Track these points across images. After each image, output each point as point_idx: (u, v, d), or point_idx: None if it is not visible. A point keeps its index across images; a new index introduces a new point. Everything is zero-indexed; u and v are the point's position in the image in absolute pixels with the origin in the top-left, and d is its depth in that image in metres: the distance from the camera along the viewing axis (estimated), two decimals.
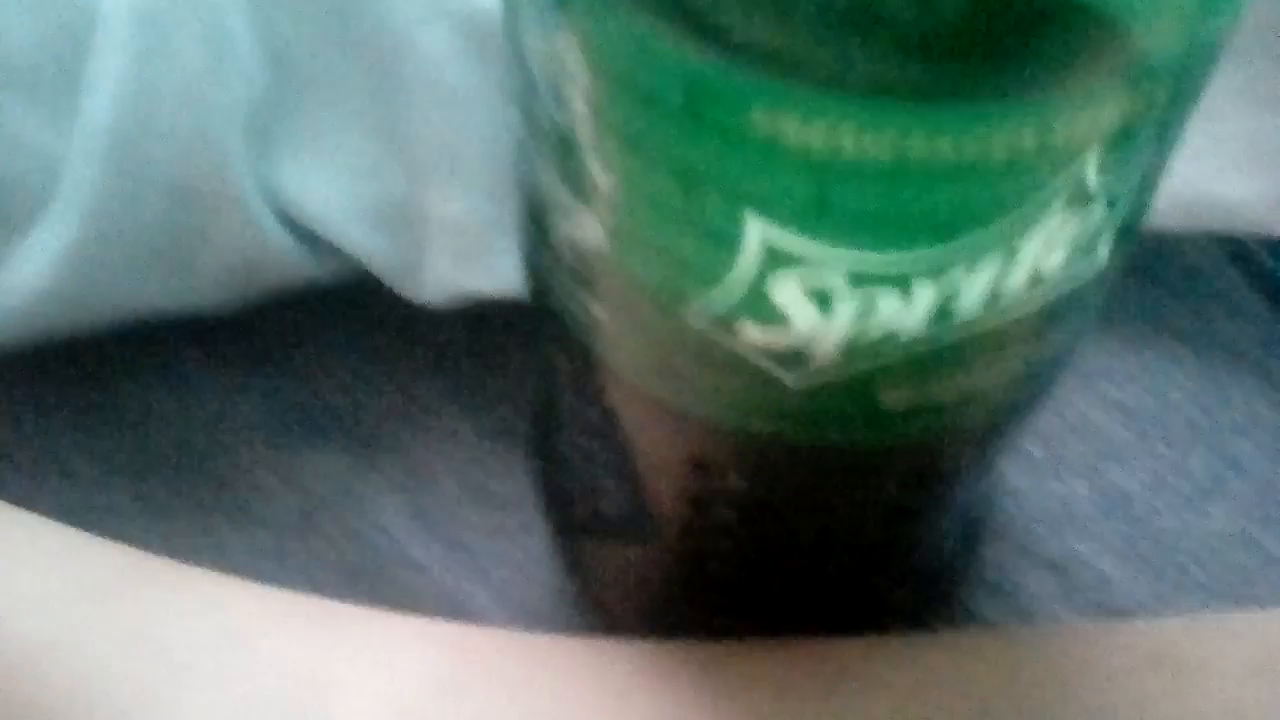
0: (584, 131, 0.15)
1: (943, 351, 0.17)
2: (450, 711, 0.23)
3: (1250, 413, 0.31)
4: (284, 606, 0.25)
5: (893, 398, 0.18)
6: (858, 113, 0.13)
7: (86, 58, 0.26)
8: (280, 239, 0.28)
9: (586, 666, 0.24)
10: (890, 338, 0.16)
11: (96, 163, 0.26)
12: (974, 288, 0.16)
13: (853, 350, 0.17)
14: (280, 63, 0.27)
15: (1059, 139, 0.14)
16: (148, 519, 0.30)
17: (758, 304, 0.16)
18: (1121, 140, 0.15)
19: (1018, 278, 0.16)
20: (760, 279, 0.16)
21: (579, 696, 0.24)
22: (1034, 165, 0.14)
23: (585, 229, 0.17)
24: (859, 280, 0.15)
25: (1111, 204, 0.16)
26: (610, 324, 0.18)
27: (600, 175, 0.16)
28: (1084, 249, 0.16)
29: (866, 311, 0.16)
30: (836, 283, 0.15)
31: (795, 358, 0.17)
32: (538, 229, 0.19)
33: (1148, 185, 0.17)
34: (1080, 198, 0.15)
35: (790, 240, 0.15)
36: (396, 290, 0.29)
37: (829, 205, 0.14)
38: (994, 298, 0.16)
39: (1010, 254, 0.15)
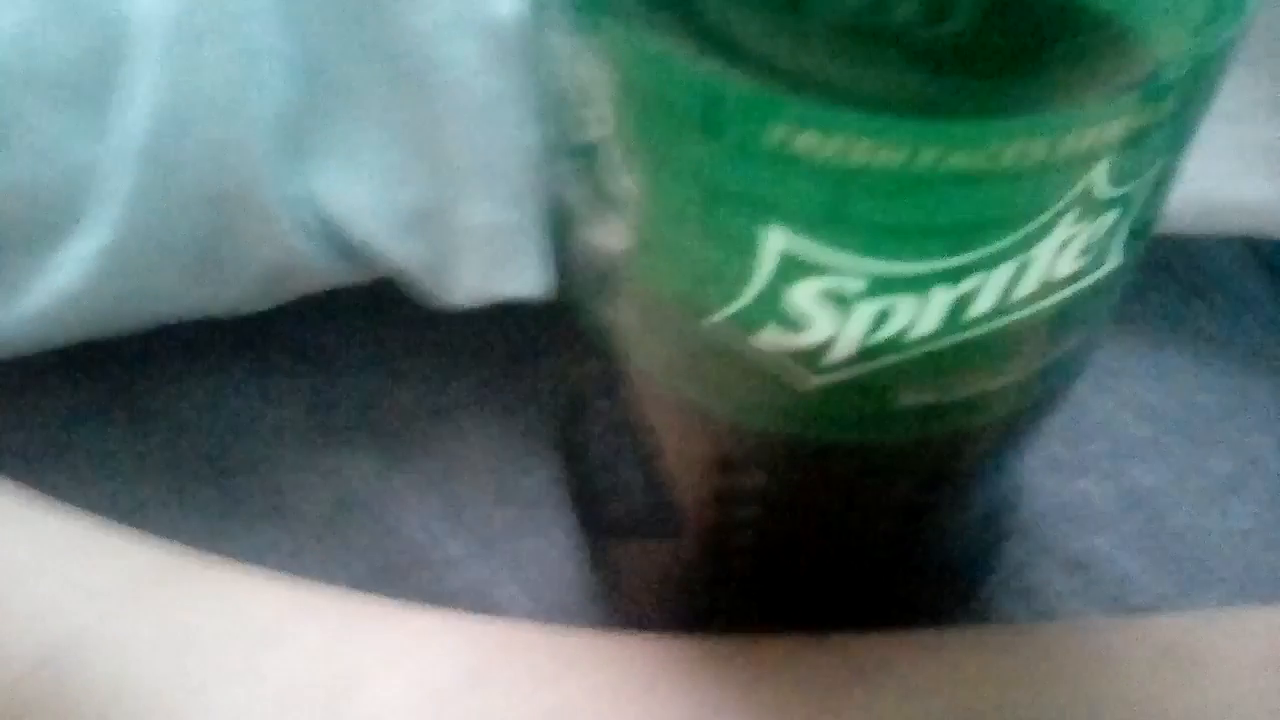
0: (608, 144, 0.15)
1: (959, 352, 0.17)
2: (478, 705, 0.23)
3: (1270, 411, 0.31)
4: (316, 601, 0.25)
5: (910, 397, 0.18)
6: (873, 127, 0.13)
7: (120, 68, 0.26)
8: (311, 246, 0.28)
9: (612, 661, 0.24)
10: (907, 340, 0.17)
11: (130, 170, 0.26)
12: (989, 291, 0.16)
13: (870, 352, 0.17)
14: (311, 72, 0.27)
15: (1071, 150, 0.14)
16: (184, 515, 0.30)
17: (777, 309, 0.16)
18: (1133, 149, 0.15)
19: (1032, 281, 0.16)
20: (779, 286, 0.16)
21: (604, 690, 0.24)
22: (1047, 175, 0.14)
23: (609, 237, 0.17)
24: (876, 286, 0.16)
25: (1124, 210, 0.16)
26: (634, 327, 0.19)
27: (624, 186, 0.16)
28: (1097, 252, 0.16)
29: (883, 315, 0.16)
30: (854, 289, 0.16)
31: (814, 359, 0.17)
32: (563, 236, 0.19)
33: (1160, 190, 0.17)
34: (1092, 205, 0.15)
35: (808, 249, 0.15)
36: (427, 294, 0.30)
37: (846, 215, 0.14)
38: (1008, 300, 0.16)
39: (1025, 259, 0.16)
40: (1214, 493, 0.30)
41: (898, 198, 0.14)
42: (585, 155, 0.16)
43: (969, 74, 0.13)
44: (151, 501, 0.30)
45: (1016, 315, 0.17)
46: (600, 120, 0.15)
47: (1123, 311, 0.19)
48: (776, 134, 0.14)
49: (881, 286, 0.16)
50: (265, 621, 0.25)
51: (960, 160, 0.13)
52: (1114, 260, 0.17)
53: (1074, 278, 0.17)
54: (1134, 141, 0.15)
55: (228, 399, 0.31)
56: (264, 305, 0.30)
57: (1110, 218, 0.16)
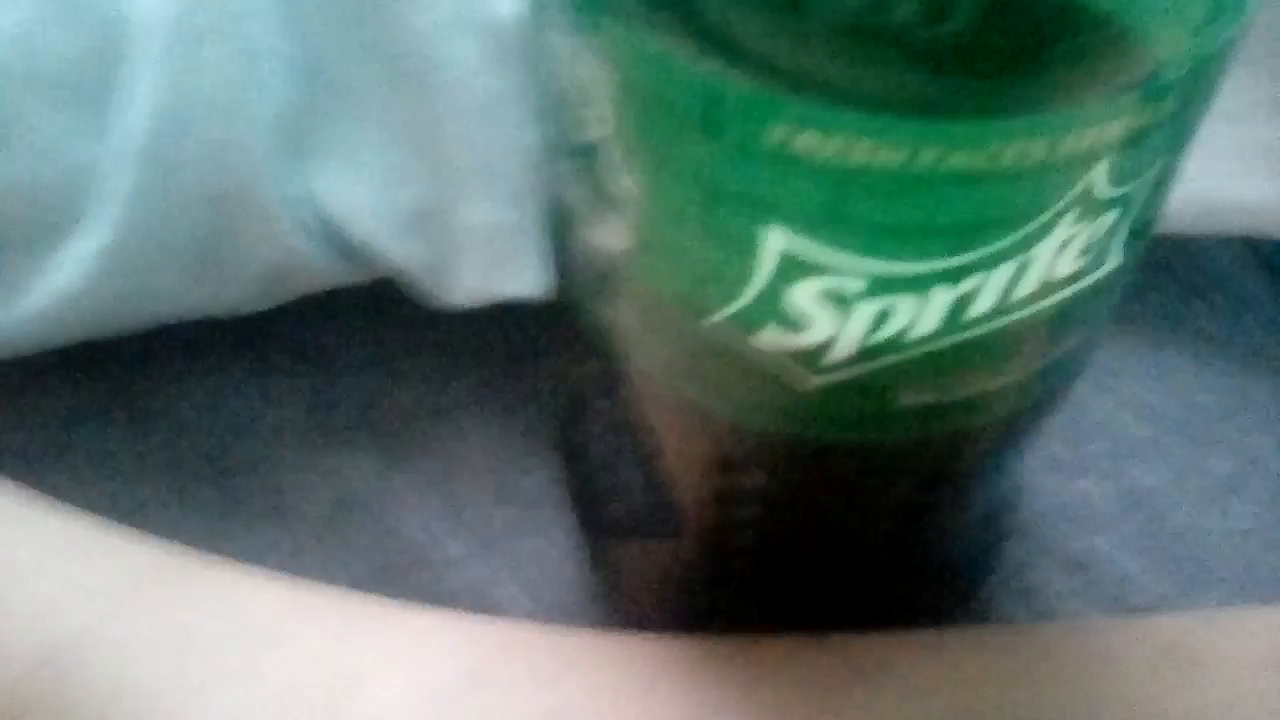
0: (608, 144, 0.16)
1: (959, 352, 0.17)
2: (478, 705, 0.24)
3: (1270, 411, 0.31)
4: (316, 601, 0.25)
5: (910, 397, 0.18)
6: (873, 127, 0.13)
7: (120, 68, 0.26)
8: (311, 246, 0.28)
9: (612, 661, 0.24)
10: (907, 340, 0.17)
11: (130, 170, 0.27)
12: (989, 292, 0.16)
13: (870, 352, 0.17)
14: (311, 72, 0.27)
15: (1071, 150, 0.14)
16: (184, 515, 0.30)
17: (777, 310, 0.16)
18: (1133, 149, 0.15)
19: (1032, 282, 0.16)
20: (779, 286, 0.16)
21: (604, 690, 0.24)
22: (1047, 175, 0.14)
23: (609, 237, 0.17)
24: (876, 286, 0.16)
25: (1124, 210, 0.16)
26: (634, 327, 0.19)
27: (623, 186, 0.16)
28: (1097, 253, 0.16)
29: (883, 315, 0.16)
30: (854, 289, 0.16)
31: (814, 359, 0.17)
32: (563, 236, 0.19)
33: (1160, 190, 0.17)
34: (1093, 205, 0.15)
35: (808, 249, 0.15)
36: (427, 294, 0.30)
37: (846, 215, 0.14)
38: (1009, 301, 0.16)
39: (1025, 259, 0.16)
40: (1214, 493, 0.30)
41: (898, 198, 0.14)
42: (585, 155, 0.16)
43: (969, 74, 0.13)
44: (151, 501, 0.30)
45: (1016, 315, 0.17)
46: (600, 120, 0.15)
47: (1123, 311, 0.19)
48: (776, 134, 0.14)
49: (881, 286, 0.16)
50: (265, 621, 0.25)
51: (960, 160, 0.14)
52: (1114, 260, 0.17)
53: (1074, 278, 0.17)
54: (1134, 141, 0.15)
55: (227, 399, 0.31)
56: (264, 305, 0.30)
57: (1110, 218, 0.16)
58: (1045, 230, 0.15)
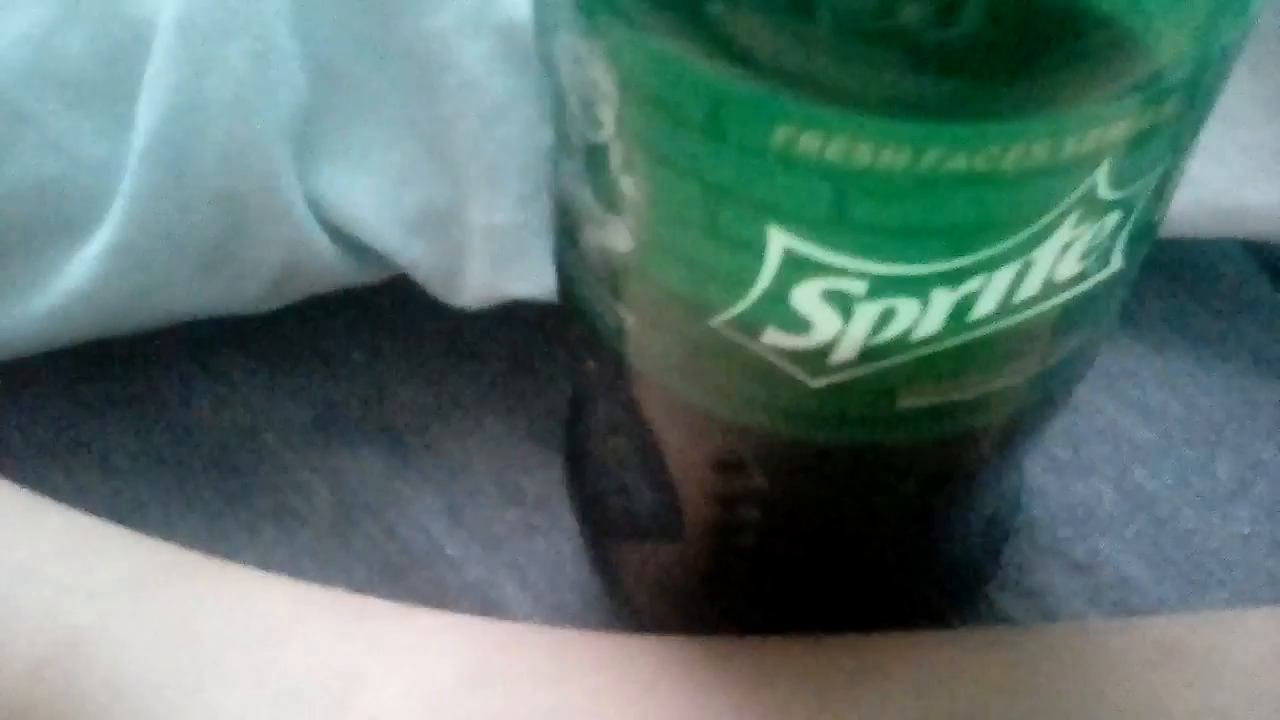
0: (613, 145, 0.16)
1: (960, 353, 0.17)
2: (479, 705, 0.24)
3: (1275, 416, 0.31)
4: (317, 601, 0.25)
5: (912, 399, 0.18)
6: (875, 129, 0.13)
7: (137, 69, 0.26)
8: (322, 244, 0.28)
9: (613, 662, 0.24)
10: (909, 341, 0.17)
11: (145, 169, 0.27)
12: (991, 293, 0.16)
13: (873, 353, 0.17)
14: (324, 73, 0.27)
15: (1073, 152, 0.14)
16: (187, 515, 0.30)
17: (780, 310, 0.16)
18: (1134, 151, 0.15)
19: (1033, 283, 0.16)
20: (782, 286, 0.16)
21: (606, 691, 0.24)
22: (1048, 177, 0.14)
23: (615, 238, 0.17)
24: (878, 287, 0.16)
25: (1125, 211, 0.16)
26: (638, 328, 0.19)
27: (629, 187, 0.16)
28: (1098, 254, 0.16)
29: (886, 317, 0.16)
30: (856, 290, 0.16)
31: (817, 360, 0.17)
32: (569, 237, 0.19)
33: (1163, 192, 0.17)
34: (1094, 206, 0.15)
35: (811, 250, 0.15)
36: (435, 295, 0.30)
37: (848, 217, 0.14)
38: (1010, 302, 0.16)
39: (1026, 261, 0.16)
40: (1217, 496, 0.30)
41: (900, 200, 0.14)
42: (590, 156, 0.16)
43: (973, 77, 0.13)
44: (154, 501, 0.30)
45: (1019, 317, 0.17)
46: (605, 121, 0.15)
47: (1126, 314, 0.19)
48: (781, 136, 0.14)
49: (884, 288, 0.16)
50: (267, 622, 0.25)
51: (963, 162, 0.14)
52: (1116, 263, 0.17)
53: (1076, 280, 0.17)
54: (1137, 144, 0.15)
55: (231, 399, 0.32)
56: (273, 305, 0.30)
57: (1112, 220, 0.16)
58: (1047, 232, 0.15)
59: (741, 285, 0.16)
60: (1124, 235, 0.17)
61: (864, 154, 0.14)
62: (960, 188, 0.14)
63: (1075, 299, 0.17)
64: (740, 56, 0.13)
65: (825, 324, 0.16)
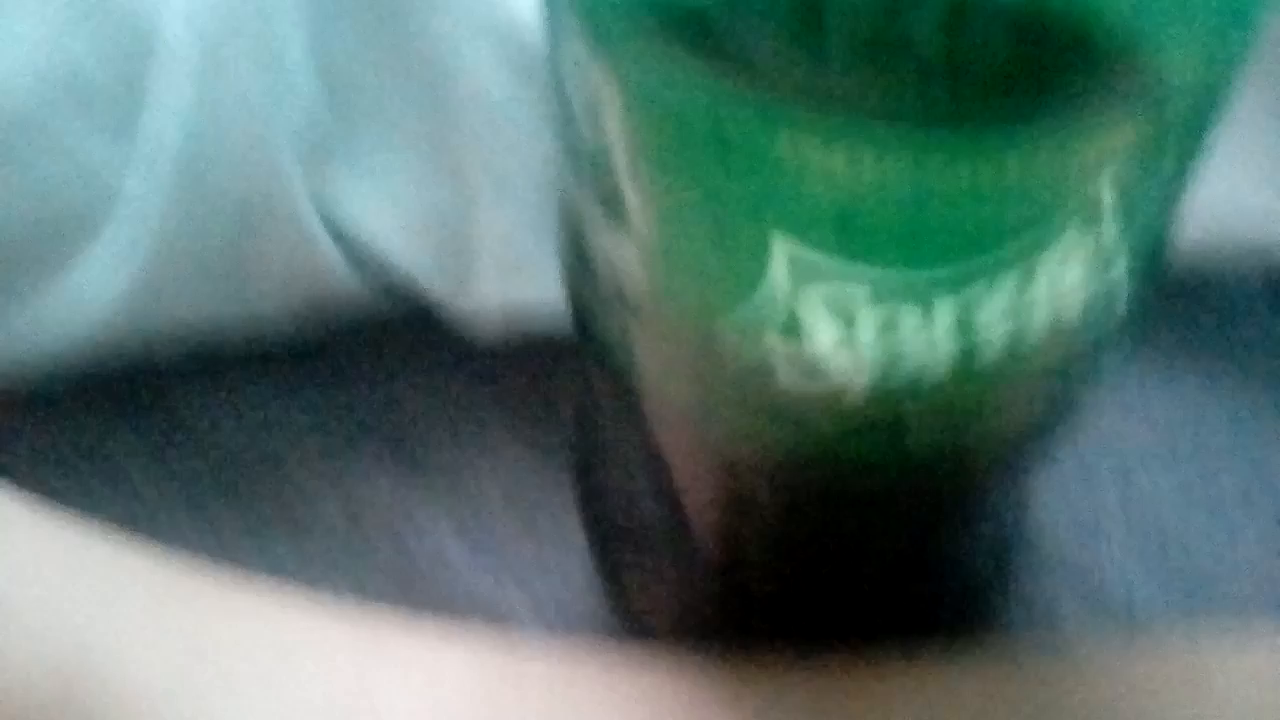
0: (617, 155, 0.16)
1: (967, 372, 0.17)
2: (488, 718, 0.24)
3: None
4: (330, 614, 0.25)
5: (917, 418, 0.18)
6: (878, 139, 0.13)
7: (148, 79, 0.26)
8: (334, 255, 0.28)
9: (623, 676, 0.24)
10: (911, 355, 0.17)
11: (162, 185, 0.27)
12: (994, 305, 0.16)
13: (877, 358, 0.17)
14: (334, 82, 0.28)
15: (1076, 163, 0.14)
16: (201, 528, 0.30)
17: (785, 320, 0.16)
18: (1138, 162, 0.15)
19: (1036, 295, 0.16)
20: (787, 296, 0.16)
21: (615, 705, 0.24)
22: (1051, 188, 0.14)
23: (620, 249, 0.17)
24: (881, 296, 0.16)
25: (1129, 223, 0.16)
26: (645, 341, 0.19)
27: (633, 198, 0.16)
28: (1101, 267, 0.16)
29: (889, 327, 0.16)
30: (860, 298, 0.16)
31: (822, 368, 0.17)
32: (576, 248, 0.19)
33: (1168, 204, 0.17)
34: (1096, 218, 0.15)
35: (814, 258, 0.15)
36: (443, 304, 0.30)
37: (851, 226, 0.15)
38: (1014, 316, 0.16)
39: (1028, 272, 0.16)
40: (1222, 507, 0.30)
41: (900, 208, 0.14)
42: (596, 167, 0.16)
43: (973, 87, 0.13)
44: (163, 513, 0.30)
45: (1022, 336, 0.17)
46: (610, 132, 0.15)
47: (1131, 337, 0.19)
48: (783, 145, 0.14)
49: (885, 296, 0.16)
50: (276, 634, 0.25)
51: (965, 171, 0.14)
52: (1118, 280, 0.17)
53: (1082, 291, 0.17)
54: (1140, 155, 0.15)
55: (246, 415, 0.32)
56: (288, 322, 0.30)
57: (1113, 232, 0.16)
58: (1048, 242, 0.15)
59: (746, 295, 0.16)
60: (1126, 248, 0.17)
61: (866, 164, 0.14)
62: (961, 197, 0.14)
63: (1083, 311, 0.17)
64: (742, 68, 0.13)
65: (829, 335, 0.16)
